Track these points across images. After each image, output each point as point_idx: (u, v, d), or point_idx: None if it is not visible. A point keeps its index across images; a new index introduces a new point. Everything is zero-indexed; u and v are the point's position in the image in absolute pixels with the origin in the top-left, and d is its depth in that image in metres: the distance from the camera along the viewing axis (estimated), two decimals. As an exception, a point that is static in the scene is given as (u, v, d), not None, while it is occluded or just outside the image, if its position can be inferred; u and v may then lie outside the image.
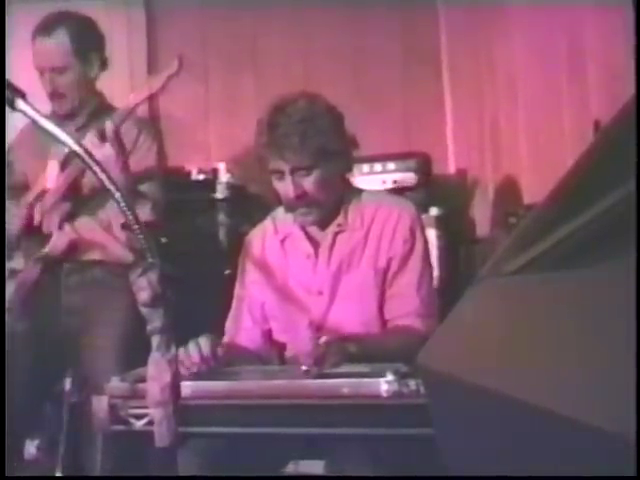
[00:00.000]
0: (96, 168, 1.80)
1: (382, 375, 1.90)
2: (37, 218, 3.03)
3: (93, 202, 2.97)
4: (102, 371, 2.67)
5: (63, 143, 1.84)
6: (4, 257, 3.04)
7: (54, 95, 3.10)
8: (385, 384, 1.89)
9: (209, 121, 4.86)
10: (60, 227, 3.02)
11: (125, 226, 2.92)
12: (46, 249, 3.02)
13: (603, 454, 0.67)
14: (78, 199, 3.01)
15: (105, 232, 3.02)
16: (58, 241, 3.01)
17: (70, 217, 3.03)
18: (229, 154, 4.47)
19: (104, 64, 3.20)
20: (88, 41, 3.14)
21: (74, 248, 3.03)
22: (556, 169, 1.13)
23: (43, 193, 3.03)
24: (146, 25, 4.83)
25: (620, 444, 0.63)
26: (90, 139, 2.78)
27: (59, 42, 3.09)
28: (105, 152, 2.76)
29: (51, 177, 3.03)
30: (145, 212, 2.87)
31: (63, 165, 2.98)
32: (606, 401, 0.68)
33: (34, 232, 3.03)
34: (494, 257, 1.13)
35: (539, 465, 0.80)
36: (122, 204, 1.77)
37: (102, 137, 2.81)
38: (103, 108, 3.11)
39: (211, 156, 4.59)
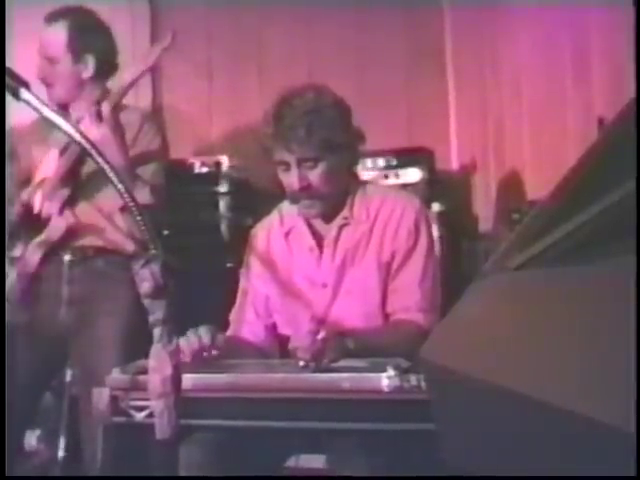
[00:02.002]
0: (95, 154, 1.80)
1: (383, 370, 1.90)
2: (37, 206, 3.03)
3: (93, 188, 2.96)
4: (103, 363, 2.67)
5: (64, 131, 1.85)
6: (4, 256, 3.03)
7: (43, 82, 3.11)
8: (386, 379, 1.89)
9: (212, 115, 4.86)
10: (60, 213, 3.02)
11: (124, 210, 2.92)
12: (44, 234, 3.02)
13: (605, 448, 0.67)
14: (77, 185, 3.01)
15: (105, 219, 3.01)
16: (57, 225, 3.01)
17: (69, 203, 3.02)
18: (232, 148, 4.47)
19: (106, 68, 3.18)
20: (86, 42, 3.12)
21: (73, 233, 3.03)
22: (559, 166, 1.14)
23: (43, 181, 3.03)
24: (150, 19, 4.82)
25: (621, 439, 0.63)
26: (88, 119, 2.79)
27: (56, 33, 3.11)
28: (102, 132, 2.77)
29: (51, 165, 3.03)
30: (144, 195, 2.87)
31: (62, 153, 2.98)
32: (607, 396, 0.68)
33: (34, 220, 3.03)
34: (497, 253, 1.13)
35: (540, 460, 0.80)
36: (123, 191, 1.77)
37: (99, 117, 2.81)
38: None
39: (214, 149, 4.59)
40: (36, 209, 3.02)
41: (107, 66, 3.18)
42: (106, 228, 3.02)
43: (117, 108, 2.87)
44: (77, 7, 3.20)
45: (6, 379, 2.88)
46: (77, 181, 3.01)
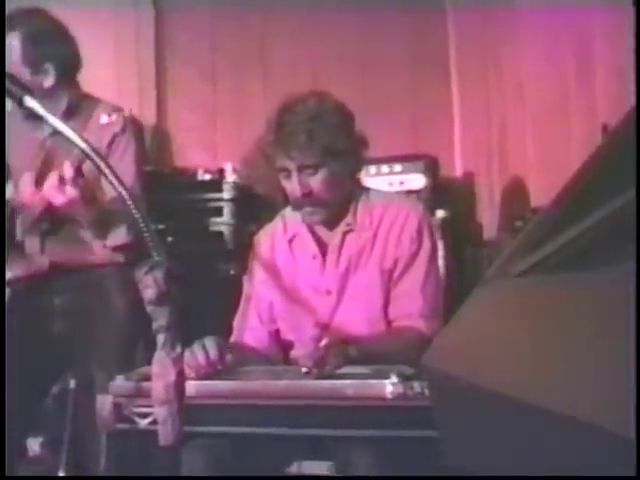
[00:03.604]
0: (98, 161, 1.80)
1: (387, 377, 1.90)
2: (19, 236, 3.02)
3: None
4: (101, 370, 2.67)
5: (67, 139, 1.84)
6: (4, 257, 3.03)
7: None
8: (390, 386, 1.89)
9: (216, 121, 4.86)
10: (42, 249, 3.01)
11: (107, 247, 2.91)
12: (30, 270, 3.01)
13: (606, 455, 0.67)
14: (57, 216, 2.92)
15: (90, 242, 2.97)
16: (39, 264, 3.00)
17: (50, 234, 3.00)
18: (236, 154, 4.47)
19: (69, 71, 3.05)
20: (43, 50, 2.96)
21: (57, 266, 3.01)
22: (563, 172, 1.13)
23: (22, 207, 3.00)
24: (155, 26, 4.83)
25: (621, 445, 0.63)
26: (51, 183, 2.69)
27: (10, 46, 2.94)
28: (68, 195, 2.67)
29: (27, 192, 2.96)
30: (120, 236, 2.85)
31: (38, 181, 2.88)
32: (609, 402, 0.68)
33: (17, 248, 3.02)
34: (500, 259, 1.13)
35: (543, 467, 0.80)
36: (127, 199, 1.78)
37: (62, 182, 2.68)
38: (75, 104, 3.02)
39: (218, 156, 4.60)
40: (18, 240, 3.01)
41: (69, 69, 3.05)
42: (92, 249, 2.98)
43: (79, 171, 2.75)
44: (29, 11, 3.03)
45: (6, 387, 2.87)
46: (55, 214, 2.94)
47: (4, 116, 2.99)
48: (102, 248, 2.95)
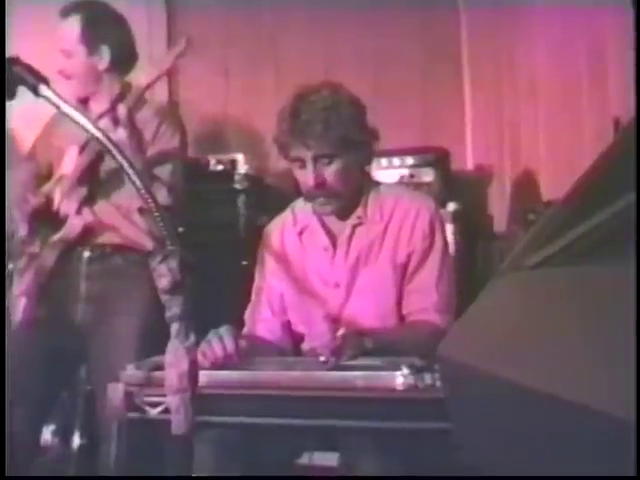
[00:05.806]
0: (115, 151, 1.81)
1: (398, 369, 1.91)
2: (56, 203, 3.04)
3: (111, 185, 2.97)
4: (119, 360, 2.68)
5: (83, 127, 1.85)
6: (4, 257, 3.04)
7: (61, 75, 3.10)
8: (400, 377, 1.89)
9: (228, 112, 4.86)
10: (78, 211, 3.03)
11: (142, 210, 2.93)
12: (61, 232, 3.03)
13: (618, 443, 0.68)
14: (95, 182, 3.02)
15: (124, 217, 3.01)
16: (73, 224, 3.02)
17: (87, 200, 3.04)
18: (248, 145, 4.47)
19: (123, 59, 3.18)
20: (100, 33, 3.12)
21: (90, 231, 3.04)
22: (575, 166, 1.14)
23: (62, 178, 3.05)
24: (167, 19, 4.83)
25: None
26: (104, 123, 2.79)
27: (70, 26, 3.12)
28: (119, 135, 2.75)
29: (70, 162, 3.04)
30: (161, 195, 2.88)
31: (82, 150, 2.98)
32: (624, 392, 0.69)
33: (52, 217, 3.04)
34: (514, 252, 1.14)
35: (557, 457, 0.81)
36: (141, 189, 1.78)
37: (115, 121, 2.82)
38: (126, 95, 3.10)
39: (230, 147, 4.60)
40: (55, 206, 3.03)
41: (124, 56, 3.19)
42: (124, 225, 3.03)
43: (132, 111, 2.87)
44: (91, 0, 3.20)
45: (9, 377, 2.88)
46: (95, 179, 3.02)
47: (4, 116, 3.03)
48: (133, 228, 2.98)
